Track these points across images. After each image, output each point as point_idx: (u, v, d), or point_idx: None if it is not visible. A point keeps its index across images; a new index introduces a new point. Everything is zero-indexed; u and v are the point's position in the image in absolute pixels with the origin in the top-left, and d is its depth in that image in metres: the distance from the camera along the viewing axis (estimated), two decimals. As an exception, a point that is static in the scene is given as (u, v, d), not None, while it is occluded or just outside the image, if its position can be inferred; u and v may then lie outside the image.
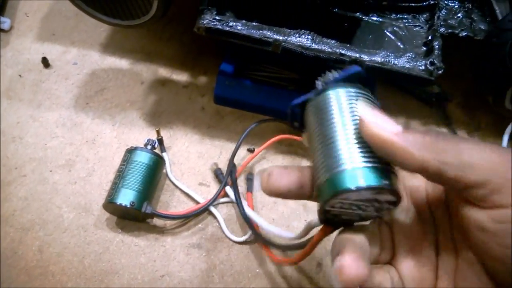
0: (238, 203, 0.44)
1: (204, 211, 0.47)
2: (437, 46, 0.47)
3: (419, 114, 0.58)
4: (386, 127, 0.21)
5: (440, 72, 0.45)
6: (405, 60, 0.47)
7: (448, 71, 0.46)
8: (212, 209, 0.47)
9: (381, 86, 0.57)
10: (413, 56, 0.48)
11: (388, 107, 0.49)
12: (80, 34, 0.60)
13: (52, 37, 0.59)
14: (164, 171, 0.50)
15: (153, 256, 0.45)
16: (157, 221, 0.47)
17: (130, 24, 0.46)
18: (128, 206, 0.43)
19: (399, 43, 0.50)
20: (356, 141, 0.21)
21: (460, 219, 0.22)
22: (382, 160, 0.21)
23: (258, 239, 0.27)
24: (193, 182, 0.50)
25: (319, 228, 0.25)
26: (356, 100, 0.23)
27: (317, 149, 0.23)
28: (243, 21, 0.44)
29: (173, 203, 0.48)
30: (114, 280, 0.43)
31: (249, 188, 0.49)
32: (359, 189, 0.20)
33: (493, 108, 0.51)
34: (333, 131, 0.22)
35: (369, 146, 0.21)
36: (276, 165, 0.26)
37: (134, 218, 0.46)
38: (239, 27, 0.44)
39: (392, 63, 0.46)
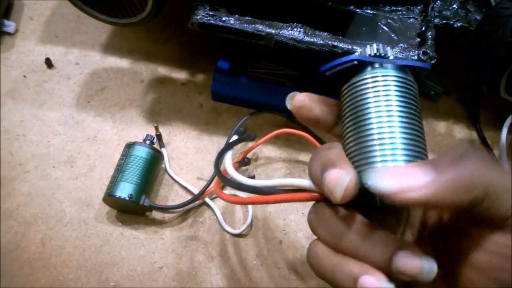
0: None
1: (200, 198, 0.47)
2: (430, 36, 0.47)
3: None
4: (412, 184, 0.18)
5: (433, 61, 0.45)
6: (398, 50, 0.47)
7: (446, 65, 0.46)
8: (209, 202, 0.48)
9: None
10: (406, 46, 0.48)
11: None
12: (82, 36, 0.61)
13: (55, 39, 0.61)
14: (163, 166, 0.51)
15: (151, 248, 0.46)
16: (156, 215, 0.48)
17: (127, 22, 0.47)
18: (127, 198, 0.44)
19: (392, 35, 0.51)
20: (389, 136, 0.21)
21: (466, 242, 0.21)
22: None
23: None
24: (191, 177, 0.50)
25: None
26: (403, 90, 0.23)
27: (349, 128, 0.22)
28: (236, 15, 0.45)
29: (171, 197, 0.49)
30: (114, 272, 0.44)
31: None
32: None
33: (488, 98, 0.50)
34: (370, 122, 0.22)
35: (398, 144, 0.21)
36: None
37: (133, 211, 0.47)
38: (232, 22, 0.45)
39: (385, 54, 0.46)
